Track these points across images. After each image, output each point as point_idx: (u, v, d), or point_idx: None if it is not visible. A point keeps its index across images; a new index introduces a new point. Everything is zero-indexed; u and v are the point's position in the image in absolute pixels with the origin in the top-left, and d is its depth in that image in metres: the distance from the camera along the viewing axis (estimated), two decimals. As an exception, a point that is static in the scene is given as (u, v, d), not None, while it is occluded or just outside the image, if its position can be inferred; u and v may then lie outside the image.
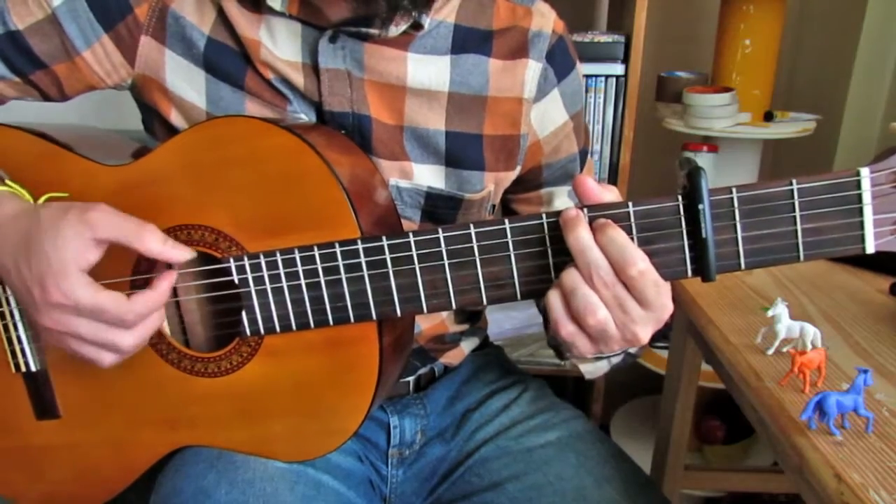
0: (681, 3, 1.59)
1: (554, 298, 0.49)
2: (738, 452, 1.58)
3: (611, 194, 0.50)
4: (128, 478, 0.66)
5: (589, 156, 0.78)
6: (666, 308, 0.49)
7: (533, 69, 0.68)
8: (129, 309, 0.52)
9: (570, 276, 0.48)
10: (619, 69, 1.35)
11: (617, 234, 0.47)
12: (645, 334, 0.50)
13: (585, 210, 0.49)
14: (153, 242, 0.53)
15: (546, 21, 0.69)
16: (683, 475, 1.11)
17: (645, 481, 0.68)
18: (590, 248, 0.47)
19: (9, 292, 0.63)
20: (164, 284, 0.54)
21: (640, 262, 0.47)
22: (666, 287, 0.49)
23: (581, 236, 0.47)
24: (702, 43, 1.53)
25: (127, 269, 0.59)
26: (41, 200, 0.59)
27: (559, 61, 0.70)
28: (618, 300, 0.48)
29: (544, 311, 0.77)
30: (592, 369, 0.71)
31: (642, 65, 1.31)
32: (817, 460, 0.50)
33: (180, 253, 0.54)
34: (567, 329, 0.50)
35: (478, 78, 0.67)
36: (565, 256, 0.50)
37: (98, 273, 0.53)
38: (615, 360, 0.71)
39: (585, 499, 0.65)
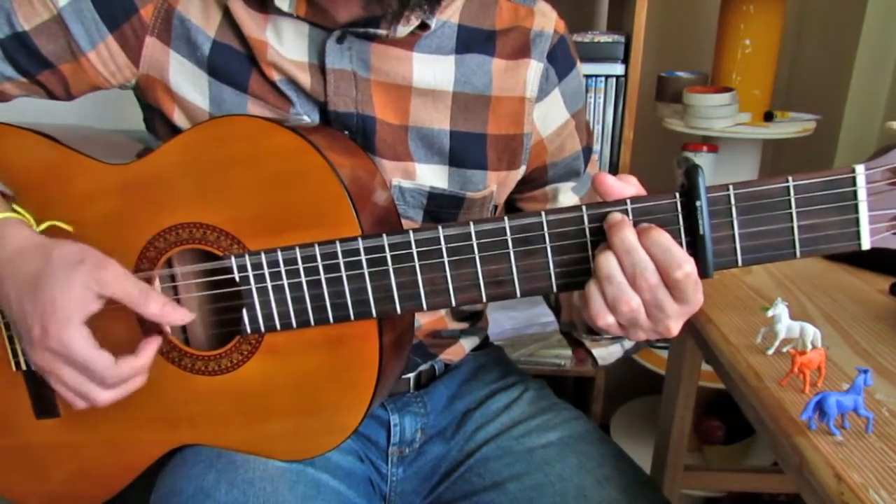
0: (681, 3, 1.59)
1: (595, 290, 0.49)
2: (738, 452, 1.58)
3: (631, 188, 0.49)
4: (127, 477, 0.66)
5: (592, 153, 0.78)
6: (699, 303, 0.49)
7: (534, 69, 0.68)
8: (114, 373, 0.55)
9: (608, 264, 0.48)
10: (619, 69, 1.35)
11: (661, 237, 0.47)
12: (677, 328, 0.50)
13: (585, 208, 0.49)
14: (153, 307, 0.55)
15: (547, 21, 0.70)
16: (683, 475, 1.11)
17: (645, 481, 0.68)
18: (636, 250, 0.47)
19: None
20: (149, 351, 0.57)
21: (685, 265, 0.46)
22: (700, 283, 0.49)
23: (627, 237, 0.47)
24: (702, 43, 1.53)
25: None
26: (41, 228, 0.60)
27: (560, 61, 0.70)
28: (656, 300, 0.48)
29: (556, 302, 0.77)
30: (606, 354, 0.71)
31: (642, 65, 1.31)
32: (817, 460, 0.50)
33: (180, 316, 0.56)
34: (606, 320, 0.49)
35: (481, 78, 0.67)
36: (565, 254, 0.50)
37: None
38: (628, 344, 0.71)
39: (586, 498, 0.65)
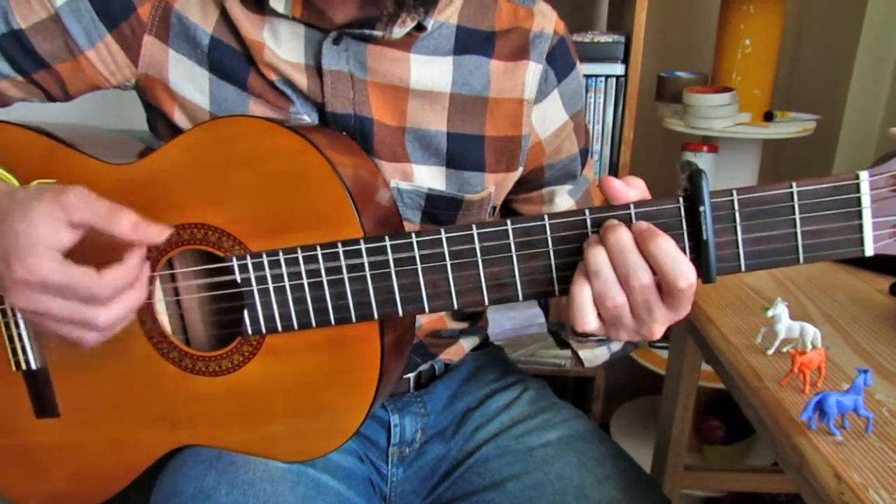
0: (681, 3, 1.59)
1: (581, 282, 0.48)
2: (738, 452, 1.58)
3: (636, 192, 0.49)
4: (127, 477, 0.66)
5: (589, 155, 0.78)
6: (688, 309, 0.49)
7: (533, 70, 0.68)
8: (98, 283, 0.50)
9: (597, 259, 0.47)
10: (619, 69, 1.35)
11: (669, 245, 0.46)
12: (660, 332, 0.49)
13: (588, 212, 0.49)
14: (124, 224, 0.51)
15: (547, 22, 0.69)
16: (683, 475, 1.11)
17: (645, 480, 0.68)
18: (630, 250, 0.46)
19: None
20: (133, 258, 0.52)
21: (691, 276, 0.46)
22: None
23: (622, 237, 0.47)
24: (702, 43, 1.53)
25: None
26: (30, 185, 0.57)
27: (559, 62, 0.70)
28: (647, 302, 0.47)
29: (544, 302, 0.77)
30: (592, 356, 0.71)
31: (642, 65, 1.31)
32: (817, 460, 0.50)
33: (155, 232, 0.52)
34: (588, 317, 0.48)
35: (479, 79, 0.67)
36: (568, 258, 0.50)
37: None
38: (615, 347, 0.71)
39: (586, 498, 0.65)
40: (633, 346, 0.68)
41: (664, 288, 0.47)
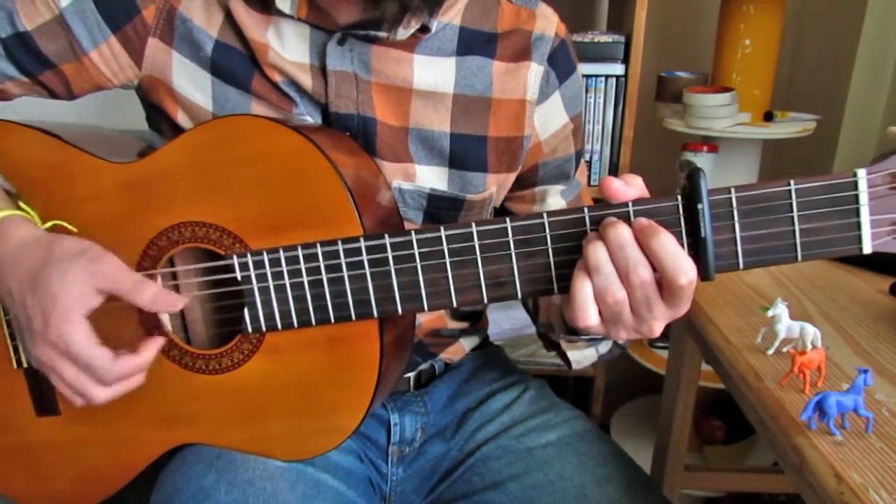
0: (681, 3, 1.59)
1: (582, 280, 0.48)
2: (738, 452, 1.58)
3: (635, 190, 0.49)
4: (127, 475, 0.66)
5: (582, 159, 0.79)
6: (688, 306, 0.48)
7: (535, 72, 0.69)
8: (112, 370, 0.55)
9: (597, 255, 0.47)
10: (619, 69, 1.35)
11: (670, 241, 0.46)
12: (660, 329, 0.49)
13: (587, 210, 0.49)
14: (146, 293, 0.55)
15: (549, 24, 0.70)
16: (683, 475, 1.11)
17: (645, 481, 0.68)
18: (630, 246, 0.46)
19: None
20: (149, 350, 0.57)
21: (691, 273, 0.46)
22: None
23: (621, 233, 0.46)
24: (702, 43, 1.53)
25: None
26: (45, 226, 0.60)
27: (561, 64, 0.70)
28: (647, 298, 0.47)
29: (533, 304, 0.77)
30: (580, 357, 0.71)
31: (642, 65, 1.31)
32: (817, 460, 0.50)
33: (171, 301, 0.56)
34: (589, 314, 0.48)
35: (482, 80, 0.67)
36: (567, 256, 0.50)
37: None
38: (602, 349, 0.71)
39: (586, 498, 0.65)
40: (621, 349, 0.68)
41: (664, 284, 0.47)
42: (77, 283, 0.53)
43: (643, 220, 0.47)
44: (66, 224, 0.61)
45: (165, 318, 0.61)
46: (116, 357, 0.55)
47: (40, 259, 0.55)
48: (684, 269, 0.46)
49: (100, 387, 0.56)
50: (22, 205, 0.60)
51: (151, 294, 0.55)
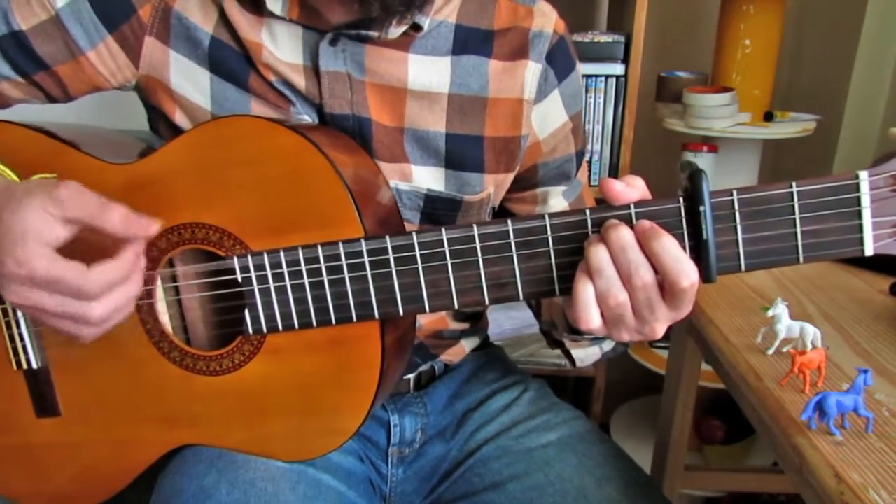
0: (681, 3, 1.59)
1: (584, 282, 0.48)
2: (738, 452, 1.58)
3: (636, 191, 0.49)
4: (128, 476, 0.66)
5: (585, 159, 0.78)
6: (689, 308, 0.48)
7: (532, 70, 0.68)
8: (86, 279, 0.49)
9: (599, 257, 0.47)
10: (619, 69, 1.35)
11: (672, 244, 0.46)
12: (662, 331, 0.49)
13: (589, 211, 0.49)
14: (115, 218, 0.50)
15: (547, 21, 0.69)
16: (683, 475, 1.11)
17: (645, 481, 0.68)
18: (632, 248, 0.46)
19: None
20: (126, 254, 0.52)
21: (693, 275, 0.46)
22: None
23: (622, 235, 0.46)
24: (702, 43, 1.53)
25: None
26: (33, 178, 0.56)
27: (559, 62, 0.70)
28: (649, 300, 0.47)
29: (536, 302, 0.77)
30: (584, 356, 0.71)
31: (642, 65, 1.31)
32: (817, 460, 0.50)
33: (144, 224, 0.52)
34: (591, 316, 0.48)
35: (477, 79, 0.67)
36: (568, 257, 0.50)
37: None
38: (606, 347, 0.71)
39: (586, 498, 0.65)
40: (625, 347, 0.68)
41: (666, 287, 0.47)
42: (34, 211, 0.49)
43: (645, 223, 0.47)
44: (47, 175, 0.57)
45: (165, 320, 0.61)
46: (91, 266, 0.50)
47: (2, 201, 0.51)
48: (686, 271, 0.46)
49: (88, 302, 0.50)
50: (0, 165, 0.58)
51: (121, 215, 0.50)
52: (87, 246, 0.51)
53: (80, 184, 0.50)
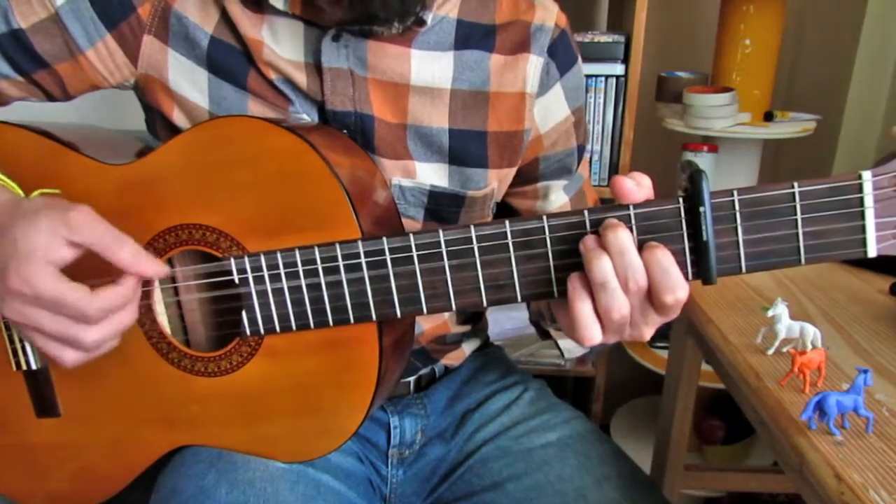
0: (681, 3, 1.59)
1: (582, 296, 0.48)
2: (738, 452, 1.58)
3: (643, 192, 0.48)
4: (127, 477, 0.66)
5: (586, 153, 0.78)
6: (677, 314, 0.49)
7: (534, 64, 0.68)
8: (90, 303, 0.50)
9: (603, 270, 0.46)
10: (619, 69, 1.35)
11: (663, 257, 0.46)
12: (650, 335, 0.50)
13: (587, 212, 0.49)
14: (125, 253, 0.51)
15: (548, 14, 0.69)
16: (683, 475, 1.11)
17: (645, 481, 0.68)
18: (629, 251, 0.46)
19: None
20: (130, 281, 0.52)
21: (678, 291, 0.46)
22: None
23: (620, 237, 0.46)
24: (702, 43, 1.53)
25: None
26: (33, 195, 0.57)
27: (561, 55, 0.70)
28: (642, 306, 0.47)
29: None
30: (572, 346, 0.71)
31: (642, 65, 1.31)
32: (817, 460, 0.50)
33: (153, 267, 0.52)
34: (591, 332, 0.48)
35: (479, 74, 0.67)
36: (567, 259, 0.50)
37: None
38: None
39: (585, 499, 0.65)
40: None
41: (652, 296, 0.47)
42: (43, 230, 0.49)
43: (650, 242, 0.47)
44: (50, 190, 0.57)
45: (164, 321, 0.61)
46: (94, 290, 0.50)
47: (8, 214, 0.51)
48: (672, 286, 0.46)
49: (85, 326, 0.51)
50: (1, 176, 0.58)
51: (131, 253, 0.50)
52: (81, 262, 0.51)
53: (92, 209, 0.50)
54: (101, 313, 0.51)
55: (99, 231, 0.50)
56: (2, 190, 0.56)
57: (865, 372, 0.52)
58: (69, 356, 0.53)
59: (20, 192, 0.58)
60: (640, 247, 0.47)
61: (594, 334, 0.48)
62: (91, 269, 0.52)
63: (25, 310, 0.50)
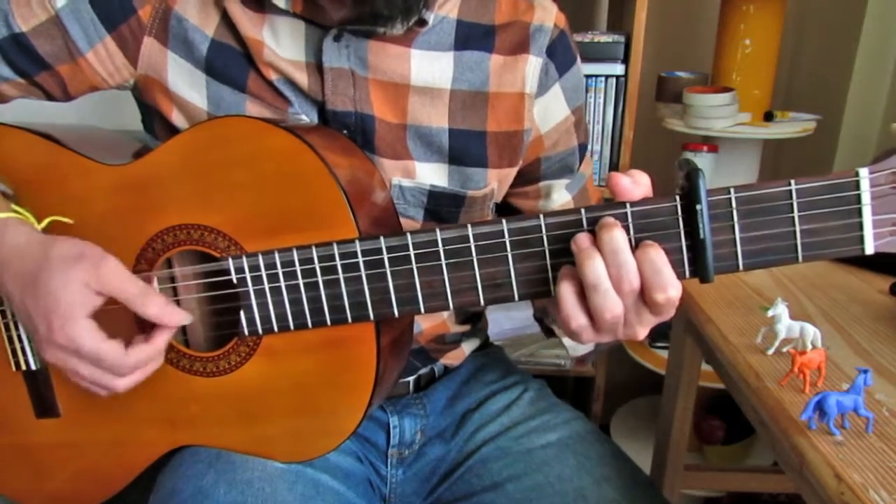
0: (681, 3, 1.59)
1: (567, 293, 0.48)
2: (738, 452, 1.58)
3: (641, 189, 0.49)
4: (127, 477, 0.66)
5: (588, 152, 0.78)
6: (671, 314, 0.48)
7: (533, 64, 0.68)
8: (125, 362, 0.55)
9: (596, 271, 0.46)
10: (619, 69, 1.35)
11: (656, 256, 0.46)
12: (644, 334, 0.50)
13: (584, 211, 0.49)
14: (153, 309, 0.55)
15: (547, 15, 0.69)
16: (683, 475, 1.11)
17: (645, 481, 0.68)
18: (622, 251, 0.46)
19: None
20: (161, 339, 0.57)
21: (669, 290, 0.46)
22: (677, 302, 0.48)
23: (615, 237, 0.46)
24: (702, 43, 1.53)
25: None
26: (43, 224, 0.60)
27: (560, 56, 0.70)
28: (636, 306, 0.47)
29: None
30: (575, 344, 0.71)
31: (642, 65, 1.31)
32: (817, 460, 0.50)
33: (179, 318, 0.56)
34: (578, 322, 0.49)
35: (479, 75, 0.67)
36: (563, 258, 0.50)
37: None
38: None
39: (585, 499, 0.65)
40: (619, 341, 0.68)
41: (645, 295, 0.47)
42: (76, 284, 0.53)
43: (645, 241, 0.47)
44: (62, 218, 0.60)
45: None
46: (128, 349, 0.55)
47: (38, 261, 0.55)
48: (663, 284, 0.46)
49: (118, 378, 0.56)
50: (16, 207, 0.60)
51: (158, 308, 0.55)
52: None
53: (118, 263, 0.55)
54: (133, 368, 0.56)
55: (128, 287, 0.55)
56: (21, 225, 0.58)
57: (865, 372, 0.52)
58: (102, 393, 0.58)
59: (34, 220, 0.60)
60: (635, 245, 0.47)
61: (585, 333, 0.49)
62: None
63: (67, 359, 0.56)
